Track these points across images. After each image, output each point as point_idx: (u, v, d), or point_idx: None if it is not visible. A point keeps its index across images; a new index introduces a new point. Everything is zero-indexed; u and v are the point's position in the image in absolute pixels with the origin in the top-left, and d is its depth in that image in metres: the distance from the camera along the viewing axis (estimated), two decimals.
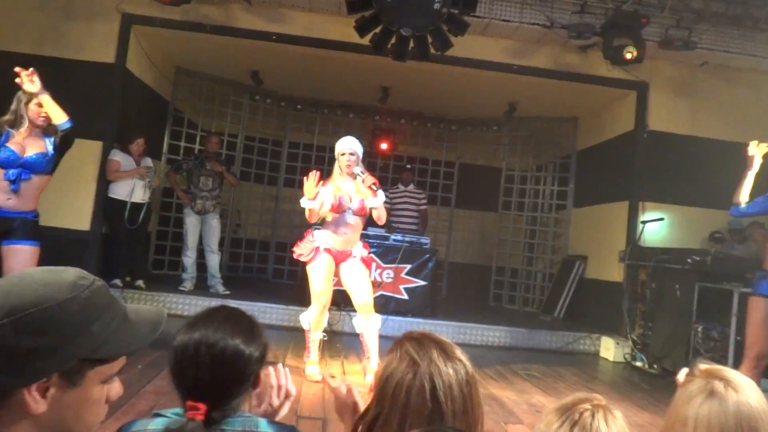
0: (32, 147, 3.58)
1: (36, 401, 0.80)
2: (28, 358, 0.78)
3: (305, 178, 4.00)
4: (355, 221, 4.19)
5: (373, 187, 4.10)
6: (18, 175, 3.50)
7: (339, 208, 4.12)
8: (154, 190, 6.50)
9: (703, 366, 1.33)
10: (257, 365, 1.32)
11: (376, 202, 4.13)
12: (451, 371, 1.20)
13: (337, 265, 4.21)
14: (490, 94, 7.73)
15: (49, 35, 6.06)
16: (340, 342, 5.50)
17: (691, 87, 6.73)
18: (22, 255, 3.52)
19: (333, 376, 4.33)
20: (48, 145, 3.63)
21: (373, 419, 1.21)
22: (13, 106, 3.63)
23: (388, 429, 1.17)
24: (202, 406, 1.20)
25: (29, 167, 3.54)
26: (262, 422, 1.31)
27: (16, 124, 3.60)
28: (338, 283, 6.29)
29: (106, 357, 0.87)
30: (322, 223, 4.25)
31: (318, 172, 4.02)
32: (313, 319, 4.22)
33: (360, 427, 1.26)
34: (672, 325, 5.48)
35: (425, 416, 1.16)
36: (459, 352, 1.26)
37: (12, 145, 3.53)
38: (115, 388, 0.92)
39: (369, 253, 4.41)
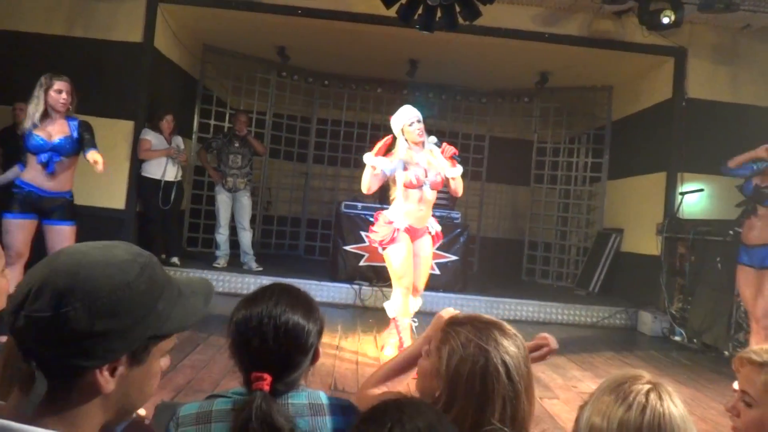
0: (57, 132, 3.81)
1: (107, 381, 0.80)
2: (100, 341, 0.78)
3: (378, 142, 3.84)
4: (432, 195, 3.98)
5: (455, 157, 3.93)
6: (49, 158, 3.76)
7: (416, 183, 3.88)
8: (184, 168, 6.57)
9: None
10: (316, 339, 1.36)
11: (456, 172, 3.92)
12: (514, 349, 1.20)
13: (412, 242, 4.02)
14: (520, 64, 7.54)
15: (78, 17, 6.11)
16: (373, 317, 5.51)
17: (732, 52, 6.44)
18: (64, 234, 3.82)
19: None
20: (72, 129, 3.86)
21: (445, 412, 1.15)
22: (35, 92, 3.82)
23: (463, 420, 1.14)
24: (268, 377, 1.23)
25: (58, 150, 3.78)
26: (323, 395, 1.36)
27: (38, 110, 3.79)
28: (370, 258, 6.39)
29: (170, 332, 0.88)
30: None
31: (391, 138, 3.88)
32: (400, 304, 3.98)
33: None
34: (713, 300, 5.33)
35: (505, 398, 1.15)
36: (508, 326, 1.26)
37: (39, 132, 3.77)
38: (165, 360, 0.93)
39: (439, 227, 4.26)
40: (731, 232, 5.05)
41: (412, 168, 3.87)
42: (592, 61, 7.01)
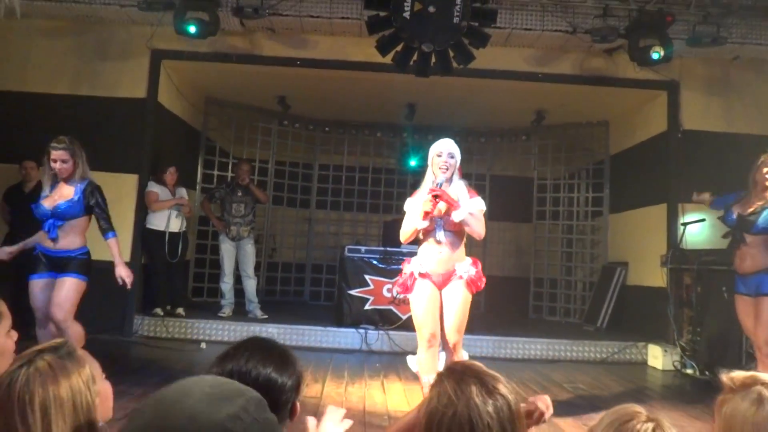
0: (61, 197, 3.85)
1: None
2: None
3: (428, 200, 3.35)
4: (451, 237, 3.48)
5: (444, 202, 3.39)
6: (51, 225, 3.81)
7: (430, 224, 3.47)
8: (188, 219, 6.66)
9: (734, 376, 1.30)
10: (292, 394, 1.30)
11: (459, 215, 3.38)
12: (491, 409, 1.17)
13: (441, 289, 3.49)
14: (516, 103, 7.67)
15: (84, 76, 6.30)
16: (380, 362, 5.47)
17: (723, 83, 6.56)
18: (64, 285, 3.79)
19: None
20: (77, 192, 3.87)
21: None
22: (44, 164, 3.93)
23: None
24: None
25: (59, 216, 3.82)
26: None
27: (47, 179, 3.93)
28: (375, 301, 6.38)
29: None
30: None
31: (437, 203, 3.34)
32: (422, 359, 3.51)
33: None
34: (722, 329, 5.28)
35: None
36: (502, 386, 1.23)
37: (45, 202, 3.85)
38: None
39: (478, 270, 3.54)
40: None
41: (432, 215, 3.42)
42: (587, 97, 7.14)
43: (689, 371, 5.56)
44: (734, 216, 4.03)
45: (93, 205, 3.88)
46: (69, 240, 3.86)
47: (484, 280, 3.55)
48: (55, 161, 3.82)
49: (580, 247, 8.68)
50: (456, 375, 1.24)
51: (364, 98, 7.78)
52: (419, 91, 7.17)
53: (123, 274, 3.90)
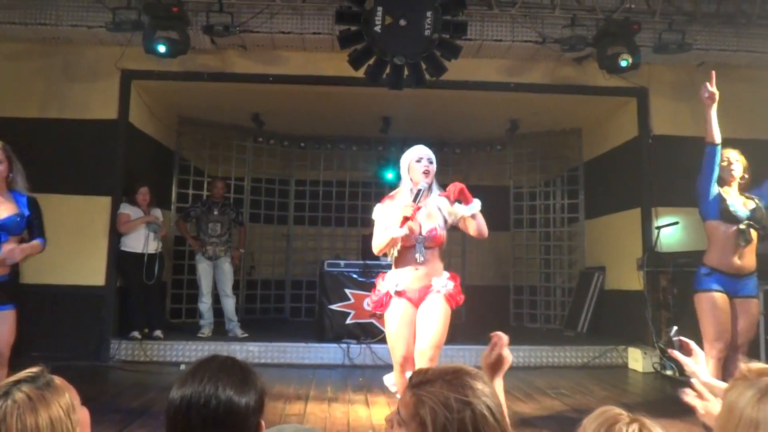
0: (3, 209, 3.35)
1: None
2: None
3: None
4: (429, 254, 3.32)
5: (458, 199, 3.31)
6: None
7: (408, 240, 3.27)
8: (163, 240, 6.56)
9: (752, 366, 1.31)
10: (255, 415, 1.24)
11: (474, 208, 3.29)
12: (488, 388, 1.20)
13: (418, 306, 3.32)
14: (490, 113, 7.75)
15: (52, 98, 6.20)
16: (363, 376, 5.42)
17: (690, 88, 6.66)
18: (10, 320, 3.33)
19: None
20: (20, 205, 3.41)
21: None
22: None
23: None
24: None
25: (6, 229, 3.31)
26: None
27: None
28: (356, 315, 6.34)
29: None
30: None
31: (418, 209, 3.19)
32: (396, 379, 3.40)
33: None
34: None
35: None
36: (470, 367, 1.25)
37: None
38: None
39: (456, 285, 3.39)
40: None
41: (412, 222, 3.19)
42: (559, 105, 7.24)
43: (669, 372, 5.62)
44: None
45: (33, 218, 3.43)
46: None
47: (462, 296, 3.39)
48: None
49: (558, 254, 8.76)
50: (439, 380, 1.21)
51: (338, 113, 7.78)
52: (393, 104, 7.20)
53: (13, 250, 3.27)
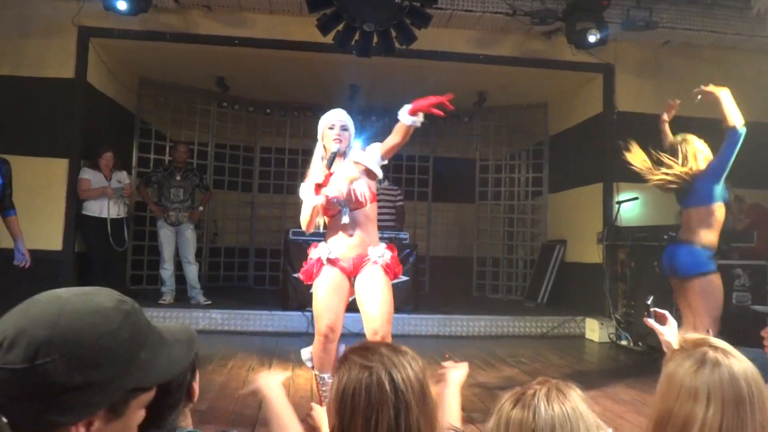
0: None
1: None
2: (79, 395, 0.73)
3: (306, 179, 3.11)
4: (362, 216, 3.12)
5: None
6: None
7: (331, 208, 3.09)
8: (129, 205, 6.38)
9: (688, 337, 1.35)
10: (188, 376, 1.22)
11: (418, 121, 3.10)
12: (404, 362, 1.20)
13: (352, 277, 3.13)
14: (458, 85, 7.69)
15: (5, 54, 5.91)
16: (295, 345, 5.44)
17: (655, 67, 6.80)
18: None
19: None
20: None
21: None
22: None
23: None
24: None
25: None
26: None
27: None
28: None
29: (152, 384, 0.82)
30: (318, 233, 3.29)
31: (330, 174, 3.00)
32: (319, 354, 3.12)
33: None
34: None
35: (391, 409, 1.14)
36: (406, 347, 1.26)
37: None
38: (141, 411, 0.86)
39: (394, 255, 3.16)
40: (666, 236, 5.28)
41: (326, 188, 2.99)
42: (527, 79, 7.26)
43: (624, 342, 5.82)
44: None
45: (5, 188, 3.56)
46: None
47: (400, 267, 3.23)
48: None
49: (521, 227, 8.89)
50: (359, 348, 1.25)
51: (306, 79, 7.65)
52: (362, 73, 7.10)
53: (26, 252, 3.50)
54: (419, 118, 3.07)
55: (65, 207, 5.92)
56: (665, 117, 4.22)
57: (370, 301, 3.01)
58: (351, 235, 3.10)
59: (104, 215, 5.98)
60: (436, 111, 3.05)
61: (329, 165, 3.02)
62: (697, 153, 3.86)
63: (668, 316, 1.98)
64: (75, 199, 5.93)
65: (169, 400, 1.16)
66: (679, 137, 4.05)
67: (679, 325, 4.22)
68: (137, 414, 0.83)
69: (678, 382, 1.24)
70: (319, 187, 2.94)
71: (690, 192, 3.83)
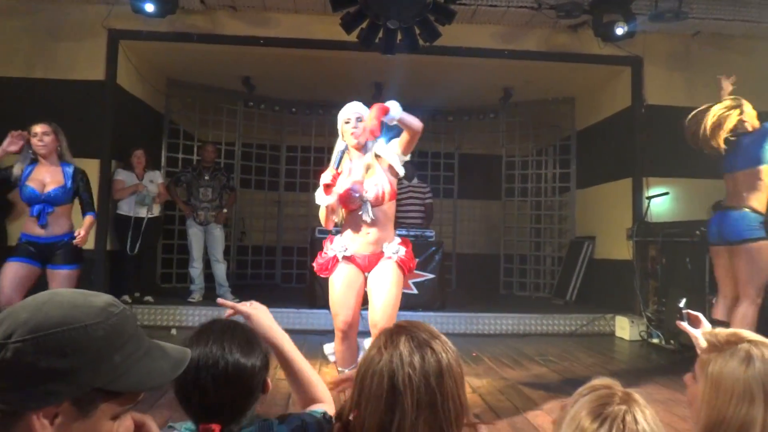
0: (51, 181, 3.80)
1: (43, 427, 0.76)
2: (43, 380, 0.75)
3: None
4: (380, 213, 3.09)
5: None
6: (41, 210, 3.76)
7: (351, 202, 3.05)
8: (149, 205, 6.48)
9: (718, 334, 1.30)
10: (262, 374, 1.29)
11: (394, 114, 2.85)
12: (415, 361, 1.13)
13: (366, 272, 3.14)
14: (483, 81, 7.67)
15: (38, 57, 6.06)
16: (322, 343, 5.45)
17: (685, 58, 6.66)
18: (59, 279, 3.78)
19: None
20: (66, 178, 3.85)
21: (349, 407, 1.20)
22: (23, 146, 3.85)
23: (361, 416, 1.15)
24: (216, 427, 1.19)
25: (50, 202, 3.78)
26: (275, 423, 1.30)
27: (25, 160, 3.85)
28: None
29: (123, 389, 0.83)
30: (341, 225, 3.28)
31: (338, 174, 3.02)
32: (339, 349, 3.16)
33: (343, 413, 1.24)
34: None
35: (381, 403, 1.12)
36: (437, 343, 1.18)
37: (32, 183, 3.77)
38: (126, 424, 0.87)
39: (408, 250, 3.16)
40: (698, 232, 5.17)
41: (345, 181, 3.04)
42: (553, 74, 7.17)
43: (655, 341, 5.71)
44: None
45: (81, 191, 3.90)
46: (58, 226, 3.82)
47: (414, 262, 3.23)
48: (36, 135, 3.78)
49: (549, 223, 8.80)
50: (393, 329, 1.22)
51: (330, 78, 7.67)
52: (386, 70, 7.09)
53: (82, 233, 3.81)
54: (391, 114, 2.88)
55: (97, 206, 6.01)
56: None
57: (377, 296, 3.03)
58: (368, 233, 3.09)
59: (130, 213, 6.13)
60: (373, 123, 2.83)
61: (337, 164, 3.02)
62: (752, 114, 3.84)
63: (702, 318, 1.91)
64: (107, 198, 6.05)
65: (248, 400, 1.25)
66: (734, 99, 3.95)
67: (714, 293, 4.13)
68: (112, 423, 0.83)
69: (728, 385, 1.17)
70: (328, 187, 2.95)
71: (738, 153, 3.77)
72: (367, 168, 3.08)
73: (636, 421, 0.99)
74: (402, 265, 3.08)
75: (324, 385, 1.58)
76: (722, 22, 6.21)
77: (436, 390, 1.12)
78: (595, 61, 6.62)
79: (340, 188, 3.00)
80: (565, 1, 5.77)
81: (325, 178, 2.96)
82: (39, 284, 3.82)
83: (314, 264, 3.24)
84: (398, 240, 3.17)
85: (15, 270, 3.72)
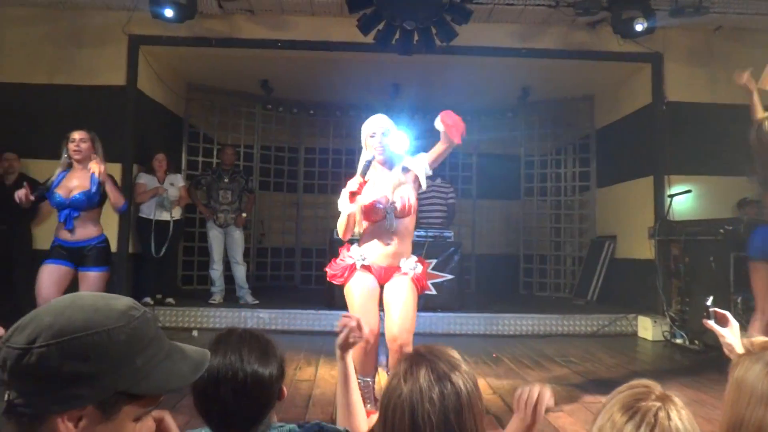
0: (77, 186, 3.88)
1: (68, 430, 0.77)
2: (67, 384, 0.76)
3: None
4: (402, 227, 3.09)
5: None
6: (67, 215, 3.85)
7: (375, 213, 3.05)
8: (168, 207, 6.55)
9: (755, 340, 1.30)
10: (279, 382, 1.32)
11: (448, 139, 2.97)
12: (435, 395, 1.12)
13: (382, 285, 3.12)
14: (501, 80, 7.63)
15: (61, 64, 6.17)
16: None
17: (706, 54, 6.55)
18: (90, 281, 3.87)
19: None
20: (92, 183, 3.90)
21: None
22: (63, 150, 3.96)
23: None
24: None
25: (75, 206, 3.85)
26: (294, 428, 1.34)
27: (61, 166, 3.96)
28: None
29: (145, 392, 0.84)
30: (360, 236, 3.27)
31: (364, 183, 3.03)
32: (359, 359, 3.02)
33: None
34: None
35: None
36: (457, 375, 1.17)
37: (60, 190, 3.86)
38: (148, 425, 0.88)
39: (424, 269, 3.18)
40: (721, 230, 5.08)
41: (370, 192, 3.04)
42: (571, 72, 7.11)
43: (679, 341, 5.63)
44: None
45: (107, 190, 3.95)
46: (86, 230, 3.90)
47: (428, 285, 3.21)
48: (73, 141, 3.89)
49: (569, 222, 8.72)
50: (414, 357, 1.21)
51: (348, 79, 7.69)
52: (403, 71, 7.11)
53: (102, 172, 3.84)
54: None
55: None
56: (751, 87, 3.91)
57: (395, 308, 3.00)
58: (388, 245, 3.09)
59: (151, 216, 6.21)
60: (452, 135, 3.00)
61: (363, 173, 3.04)
62: None
63: (729, 317, 1.89)
64: (129, 201, 6.13)
65: (267, 408, 1.29)
66: None
67: (739, 293, 4.02)
68: (134, 424, 0.84)
69: (749, 387, 1.19)
70: (353, 195, 2.96)
71: None
72: (396, 182, 3.10)
73: (669, 418, 0.99)
74: (416, 282, 3.09)
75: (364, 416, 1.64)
76: (744, 16, 6.10)
77: (455, 426, 1.12)
78: (614, 59, 6.55)
79: (365, 198, 3.02)
80: None
81: (352, 185, 2.98)
82: (75, 285, 3.92)
83: (327, 269, 3.22)
84: (415, 258, 3.18)
85: (50, 271, 3.82)
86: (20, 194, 3.78)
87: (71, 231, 3.85)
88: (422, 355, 1.21)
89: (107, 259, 3.98)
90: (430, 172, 3.19)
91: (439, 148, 3.12)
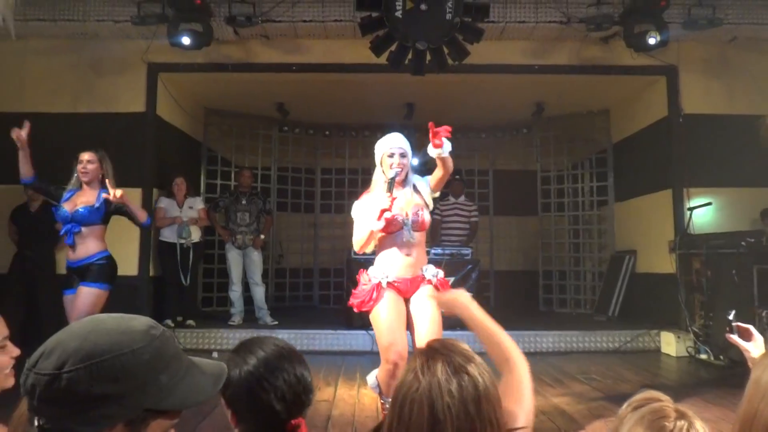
0: (82, 202, 3.86)
1: None
2: (97, 406, 0.79)
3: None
4: (418, 238, 3.19)
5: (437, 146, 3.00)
6: (68, 229, 3.82)
7: (394, 225, 3.10)
8: (201, 229, 6.63)
9: None
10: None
11: (445, 150, 2.99)
12: (453, 388, 1.13)
13: (407, 299, 3.15)
14: (515, 97, 7.65)
15: (82, 93, 6.33)
16: (360, 364, 5.44)
17: (722, 65, 6.51)
18: (83, 296, 3.77)
19: None
20: (98, 198, 3.88)
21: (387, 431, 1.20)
22: (74, 170, 3.97)
23: None
24: (302, 420, 1.36)
25: (77, 220, 3.82)
26: None
27: (70, 185, 3.97)
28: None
29: (171, 408, 0.87)
30: (373, 254, 3.28)
31: (394, 199, 3.05)
32: (383, 379, 3.08)
33: None
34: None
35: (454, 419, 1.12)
36: (473, 366, 1.18)
37: (66, 205, 3.86)
38: None
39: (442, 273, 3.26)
40: (743, 243, 5.01)
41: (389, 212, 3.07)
42: (586, 86, 7.10)
43: (703, 356, 5.52)
44: None
45: (114, 210, 3.90)
46: (86, 247, 3.84)
47: (448, 287, 3.26)
48: (81, 162, 3.90)
49: (587, 238, 8.64)
50: (428, 351, 1.21)
51: (362, 100, 7.77)
52: (417, 90, 7.16)
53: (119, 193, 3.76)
54: (444, 149, 3.01)
55: (140, 233, 6.21)
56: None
57: (422, 321, 3.05)
58: (409, 255, 3.15)
59: (175, 241, 6.28)
60: (436, 137, 2.98)
61: (390, 189, 3.08)
62: None
63: (753, 330, 1.88)
64: (150, 225, 6.23)
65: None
66: None
67: (764, 306, 3.91)
68: None
69: (764, 385, 1.23)
70: (383, 212, 2.98)
71: None
72: (410, 199, 3.21)
73: None
74: (441, 287, 3.16)
75: (510, 342, 1.63)
76: (759, 26, 6.06)
77: (475, 417, 1.13)
78: (628, 72, 6.54)
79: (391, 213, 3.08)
80: (594, 14, 5.74)
81: (383, 203, 3.01)
82: (108, 305, 3.86)
83: (352, 301, 3.21)
84: (432, 265, 3.27)
85: (72, 302, 3.81)
86: (17, 132, 3.77)
87: (73, 248, 3.82)
88: (436, 350, 1.21)
89: (107, 278, 3.85)
90: (435, 195, 3.32)
91: (437, 173, 3.21)
